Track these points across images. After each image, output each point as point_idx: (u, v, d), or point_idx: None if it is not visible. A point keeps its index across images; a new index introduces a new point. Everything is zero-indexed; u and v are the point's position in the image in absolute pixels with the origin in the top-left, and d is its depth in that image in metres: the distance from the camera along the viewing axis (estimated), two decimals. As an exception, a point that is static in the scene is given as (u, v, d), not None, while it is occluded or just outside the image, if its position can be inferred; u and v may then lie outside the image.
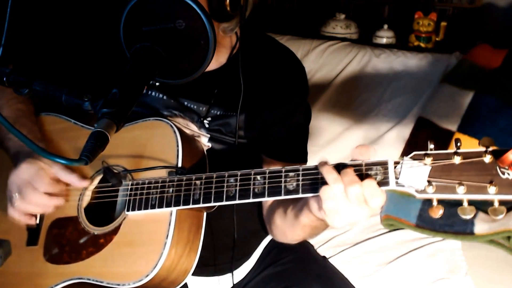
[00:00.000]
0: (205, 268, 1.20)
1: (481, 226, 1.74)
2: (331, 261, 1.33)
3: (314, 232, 1.05)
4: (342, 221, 0.82)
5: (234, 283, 1.25)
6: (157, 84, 1.15)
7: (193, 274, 1.06)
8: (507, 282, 1.61)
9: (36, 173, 1.04)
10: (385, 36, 2.47)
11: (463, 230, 1.76)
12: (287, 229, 1.10)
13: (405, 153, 1.99)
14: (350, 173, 0.80)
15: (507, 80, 1.96)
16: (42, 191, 1.03)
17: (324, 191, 0.80)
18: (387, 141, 2.07)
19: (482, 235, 1.75)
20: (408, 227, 1.86)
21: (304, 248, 1.28)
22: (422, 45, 2.39)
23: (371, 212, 0.81)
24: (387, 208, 1.89)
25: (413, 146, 1.99)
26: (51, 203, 1.06)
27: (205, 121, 1.15)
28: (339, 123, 2.18)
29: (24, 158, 1.06)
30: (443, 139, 1.91)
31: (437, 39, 2.42)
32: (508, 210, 1.43)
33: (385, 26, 2.48)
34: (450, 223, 1.78)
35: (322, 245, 1.79)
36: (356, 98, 2.24)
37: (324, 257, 1.32)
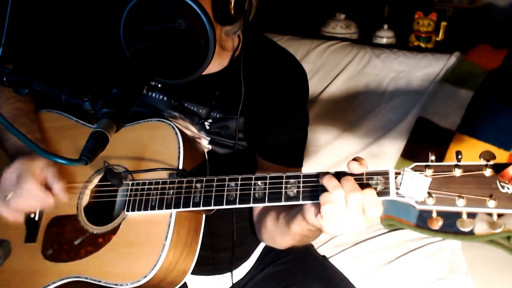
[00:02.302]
0: (204, 267, 1.20)
1: (481, 226, 1.74)
2: (331, 261, 1.33)
3: (304, 240, 1.06)
4: (337, 228, 0.83)
5: (234, 282, 1.25)
6: (158, 84, 1.15)
7: (192, 273, 1.06)
8: (507, 282, 1.61)
9: (26, 172, 1.02)
10: (385, 36, 2.47)
11: (463, 230, 1.77)
12: (276, 235, 1.10)
13: (405, 153, 2.00)
14: (351, 180, 0.80)
15: (507, 80, 1.95)
16: (28, 190, 1.01)
17: (324, 196, 0.81)
18: (387, 141, 2.07)
19: (482, 235, 1.75)
20: (408, 227, 1.86)
21: (304, 248, 1.27)
22: (422, 45, 2.39)
23: (366, 222, 0.81)
24: (387, 208, 1.88)
25: (413, 146, 1.99)
26: (41, 201, 1.04)
27: (206, 123, 1.15)
28: (338, 123, 2.17)
29: (20, 157, 1.05)
30: (443, 139, 1.91)
31: (437, 39, 2.42)
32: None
33: (385, 26, 2.47)
34: (450, 223, 1.77)
35: (322, 245, 1.79)
36: (356, 98, 2.24)
37: (324, 256, 1.33)
